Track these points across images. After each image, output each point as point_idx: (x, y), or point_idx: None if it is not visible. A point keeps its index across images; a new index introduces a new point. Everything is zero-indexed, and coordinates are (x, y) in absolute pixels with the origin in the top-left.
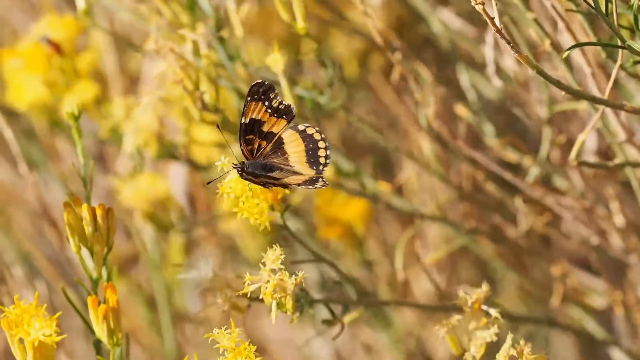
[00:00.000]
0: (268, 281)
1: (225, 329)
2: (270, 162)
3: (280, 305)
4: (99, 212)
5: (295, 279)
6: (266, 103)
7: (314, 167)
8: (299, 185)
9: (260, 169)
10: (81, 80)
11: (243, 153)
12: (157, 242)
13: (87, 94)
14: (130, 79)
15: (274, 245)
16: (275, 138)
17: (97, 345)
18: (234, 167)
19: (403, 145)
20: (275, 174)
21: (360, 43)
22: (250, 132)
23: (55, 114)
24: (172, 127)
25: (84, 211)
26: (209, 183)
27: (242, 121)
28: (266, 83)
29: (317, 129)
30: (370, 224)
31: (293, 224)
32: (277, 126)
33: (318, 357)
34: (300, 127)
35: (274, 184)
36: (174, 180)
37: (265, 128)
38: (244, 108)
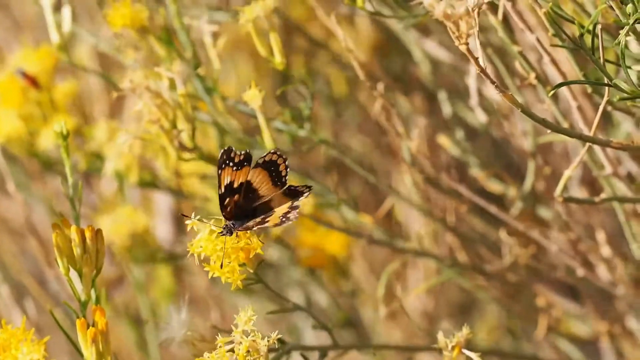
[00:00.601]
0: (240, 343)
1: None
2: (247, 209)
3: None
4: (87, 234)
5: (268, 341)
6: (231, 164)
7: (279, 184)
8: (276, 225)
9: (243, 218)
10: (58, 112)
11: (226, 218)
12: (143, 265)
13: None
14: (116, 98)
15: (245, 306)
16: (244, 184)
17: None
18: (223, 234)
19: (392, 166)
20: (257, 217)
21: (344, 72)
22: (227, 196)
23: (32, 147)
24: (154, 155)
25: (73, 233)
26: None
27: (219, 193)
28: (227, 148)
29: (272, 151)
30: (356, 250)
31: (276, 253)
32: (243, 175)
33: None
34: (259, 160)
35: (261, 226)
36: (160, 206)
37: (235, 184)
38: (218, 180)
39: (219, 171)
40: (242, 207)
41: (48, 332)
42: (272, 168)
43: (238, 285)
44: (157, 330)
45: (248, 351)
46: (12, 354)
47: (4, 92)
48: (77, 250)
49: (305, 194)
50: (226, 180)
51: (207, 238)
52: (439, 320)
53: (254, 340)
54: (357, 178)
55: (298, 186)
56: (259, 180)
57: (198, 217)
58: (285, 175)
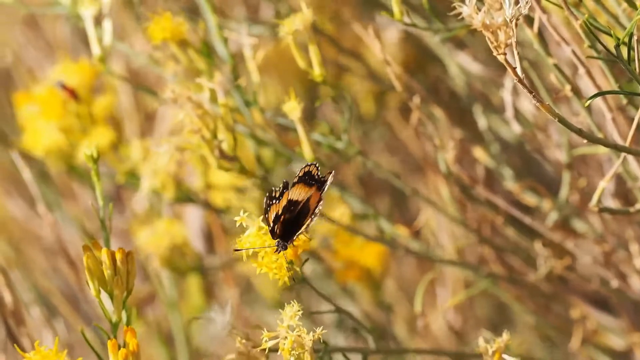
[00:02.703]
0: (286, 338)
1: None
2: (291, 219)
3: None
4: (118, 256)
5: (313, 335)
6: (273, 201)
7: (313, 183)
8: (312, 223)
9: (289, 229)
10: (97, 125)
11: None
12: (175, 281)
13: (102, 139)
14: (147, 118)
15: (291, 301)
16: (286, 205)
17: None
18: (279, 251)
19: (420, 184)
20: (300, 221)
21: (376, 85)
22: (275, 225)
23: (72, 159)
24: (189, 170)
25: (104, 255)
26: (235, 250)
27: (270, 229)
28: (269, 192)
29: (306, 165)
30: (389, 265)
31: (311, 266)
32: (285, 199)
33: None
34: (295, 179)
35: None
36: (191, 221)
37: (280, 212)
38: (266, 222)
39: (265, 215)
40: (286, 221)
41: (78, 352)
42: (306, 177)
43: (285, 282)
44: (189, 345)
45: (293, 347)
46: None
47: (44, 104)
48: (107, 273)
49: (331, 177)
50: (272, 216)
51: (255, 234)
52: (468, 337)
53: (299, 335)
54: (384, 195)
55: (323, 176)
56: (298, 193)
57: (247, 213)
58: (317, 173)
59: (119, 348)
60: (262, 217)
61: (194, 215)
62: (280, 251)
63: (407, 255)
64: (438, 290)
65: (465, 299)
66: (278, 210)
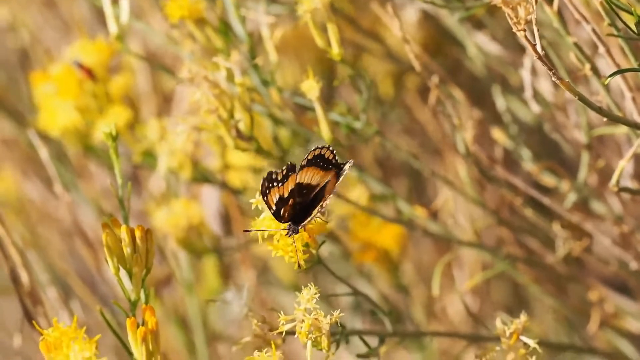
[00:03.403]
0: (303, 321)
1: (266, 352)
2: (304, 203)
3: (315, 344)
4: (138, 234)
5: (331, 318)
6: (274, 184)
7: (330, 168)
8: (324, 209)
9: (302, 214)
10: (114, 104)
11: (285, 222)
12: (192, 263)
13: (119, 119)
14: (164, 98)
15: (308, 283)
16: (295, 188)
17: None
18: (290, 235)
19: (438, 167)
20: (315, 206)
21: (395, 66)
22: (280, 208)
23: (88, 139)
24: (206, 150)
25: (123, 232)
26: (245, 231)
27: (272, 212)
28: (267, 174)
29: (315, 148)
30: (406, 247)
31: (327, 248)
32: (292, 182)
33: None
34: (303, 161)
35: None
36: (208, 202)
37: (286, 195)
38: (267, 204)
39: (265, 198)
40: (299, 205)
41: (95, 333)
42: (318, 160)
43: (301, 265)
44: (205, 328)
45: (310, 330)
46: (64, 352)
47: (60, 83)
48: (127, 250)
49: (349, 165)
50: (275, 198)
51: (271, 217)
52: (485, 320)
53: (316, 318)
54: (403, 176)
55: (342, 163)
56: (309, 176)
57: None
58: (334, 157)
59: (138, 326)
60: (261, 199)
61: (211, 196)
62: (291, 235)
63: (425, 236)
64: (455, 272)
65: (483, 282)
66: (283, 193)
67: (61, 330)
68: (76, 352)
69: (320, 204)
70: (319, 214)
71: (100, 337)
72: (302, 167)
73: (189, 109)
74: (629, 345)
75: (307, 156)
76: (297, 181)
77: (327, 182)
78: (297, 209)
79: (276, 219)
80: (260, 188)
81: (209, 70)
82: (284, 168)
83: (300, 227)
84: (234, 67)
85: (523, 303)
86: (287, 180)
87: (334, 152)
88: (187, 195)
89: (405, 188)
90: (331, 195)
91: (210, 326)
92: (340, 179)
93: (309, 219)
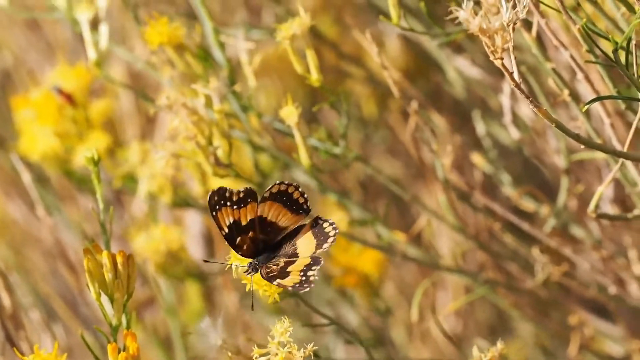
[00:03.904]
0: (277, 354)
1: None
2: (269, 242)
3: None
4: (119, 259)
5: (305, 352)
6: (228, 203)
7: (302, 212)
8: (294, 287)
9: (267, 252)
10: (93, 129)
11: (244, 256)
12: (174, 286)
13: (99, 144)
14: (147, 120)
15: (282, 318)
16: (256, 220)
17: None
18: (249, 273)
19: (421, 189)
20: (283, 249)
21: (377, 90)
22: (236, 236)
23: (68, 164)
24: (187, 175)
25: (104, 258)
26: (205, 261)
27: (223, 234)
28: (217, 189)
29: (278, 182)
30: (387, 270)
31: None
32: (251, 211)
33: None
34: (266, 193)
35: (280, 282)
36: (191, 225)
37: (244, 222)
38: (216, 222)
39: (213, 213)
40: (263, 241)
41: (78, 356)
42: (284, 198)
43: (275, 299)
44: (187, 351)
45: None
46: None
47: (40, 109)
48: (108, 276)
49: (329, 241)
50: (227, 220)
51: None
52: (468, 342)
53: (289, 352)
54: (386, 199)
55: (325, 221)
56: (273, 213)
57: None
58: (305, 202)
59: (119, 352)
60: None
61: (194, 220)
62: (250, 274)
63: (405, 261)
64: (439, 295)
65: (466, 305)
66: (239, 218)
67: (42, 357)
68: None
69: (283, 268)
70: (275, 282)
71: (77, 354)
72: (263, 199)
73: (169, 134)
74: None
75: (270, 188)
76: (259, 214)
77: (299, 229)
78: (260, 246)
79: (230, 245)
80: (208, 201)
81: (188, 97)
82: (241, 190)
83: (260, 267)
84: (212, 93)
85: (506, 326)
86: (244, 205)
87: (305, 195)
88: (170, 219)
89: (388, 211)
90: (316, 267)
91: (193, 349)
92: (325, 246)
93: (286, 280)
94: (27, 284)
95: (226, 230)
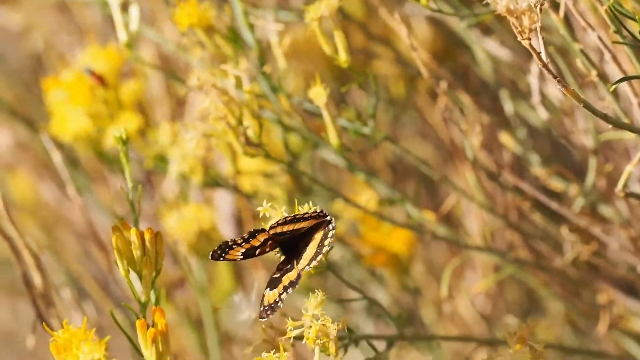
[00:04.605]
0: (310, 327)
1: (274, 353)
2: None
3: (323, 349)
4: (147, 236)
5: (338, 324)
6: (234, 246)
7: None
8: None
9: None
10: (125, 111)
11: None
12: (204, 266)
13: (130, 125)
14: (177, 102)
15: (315, 289)
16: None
17: None
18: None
19: (450, 169)
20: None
21: (405, 71)
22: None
23: (99, 145)
24: (218, 155)
25: (133, 235)
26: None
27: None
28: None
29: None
30: (417, 249)
31: (339, 252)
32: (260, 239)
33: None
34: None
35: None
36: (221, 207)
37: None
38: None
39: (220, 259)
40: (287, 240)
41: (109, 334)
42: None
43: (310, 272)
44: (218, 330)
45: (317, 336)
46: (74, 353)
47: (71, 90)
48: (136, 253)
49: (326, 242)
50: (238, 254)
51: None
52: (498, 323)
53: (323, 324)
54: (415, 180)
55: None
56: (287, 228)
57: (270, 204)
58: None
59: (148, 328)
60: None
61: (224, 201)
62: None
63: (434, 240)
64: (468, 275)
65: (496, 285)
66: (250, 246)
67: (71, 332)
68: (85, 353)
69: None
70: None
71: (111, 340)
72: (273, 227)
73: (200, 115)
74: (637, 347)
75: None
76: (271, 234)
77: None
78: (286, 243)
79: (251, 257)
80: (211, 256)
81: (218, 78)
82: (244, 235)
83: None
84: (242, 74)
85: (537, 306)
86: (252, 239)
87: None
88: (201, 200)
89: (417, 190)
90: (326, 248)
91: (223, 327)
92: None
93: (271, 293)
94: (59, 264)
95: (241, 257)
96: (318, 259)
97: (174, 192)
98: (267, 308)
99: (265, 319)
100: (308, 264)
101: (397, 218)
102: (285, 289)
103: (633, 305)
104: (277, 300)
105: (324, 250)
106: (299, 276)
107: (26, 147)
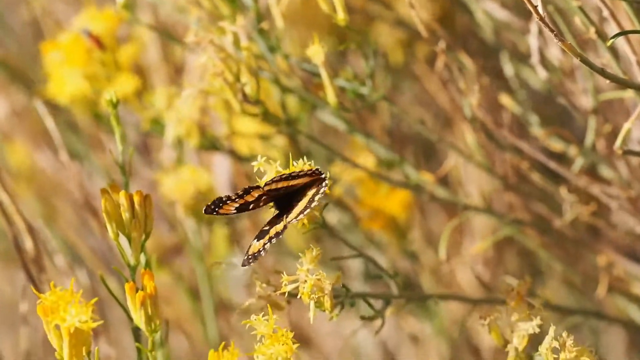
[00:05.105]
0: (305, 281)
1: (263, 316)
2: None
3: (318, 304)
4: (136, 199)
5: (333, 279)
6: (228, 202)
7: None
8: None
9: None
10: (122, 73)
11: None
12: (200, 232)
13: (127, 87)
14: (174, 68)
15: (310, 245)
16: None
17: (136, 332)
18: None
19: (448, 135)
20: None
21: (404, 33)
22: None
23: (96, 107)
24: (214, 118)
25: (122, 198)
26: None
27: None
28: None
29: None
30: (415, 214)
31: (336, 216)
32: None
33: (363, 347)
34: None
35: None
36: (218, 170)
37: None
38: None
39: (214, 213)
40: (282, 196)
41: (105, 300)
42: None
43: (304, 225)
44: (214, 296)
45: (312, 290)
46: (61, 315)
47: (69, 52)
48: (125, 215)
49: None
50: (231, 208)
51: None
52: (497, 288)
53: (318, 279)
54: (414, 144)
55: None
56: (282, 185)
57: (264, 157)
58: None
59: (137, 291)
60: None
61: (222, 165)
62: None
63: (433, 202)
64: (467, 240)
65: (495, 251)
66: (245, 201)
67: (58, 294)
68: (72, 315)
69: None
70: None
71: (106, 305)
72: (268, 184)
73: (197, 76)
74: (637, 310)
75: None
76: (266, 189)
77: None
78: (280, 198)
79: (244, 211)
80: (205, 210)
81: (215, 35)
82: (239, 191)
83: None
84: (239, 31)
85: (534, 270)
86: (246, 195)
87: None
88: (198, 164)
89: (415, 156)
90: (273, 240)
91: (220, 294)
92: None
93: (257, 243)
94: (53, 231)
95: (234, 211)
96: (306, 212)
97: (171, 157)
98: (250, 257)
99: (247, 267)
100: (296, 217)
101: (397, 180)
102: (270, 239)
103: (633, 268)
104: (261, 249)
105: (313, 204)
106: (284, 227)
107: (23, 115)
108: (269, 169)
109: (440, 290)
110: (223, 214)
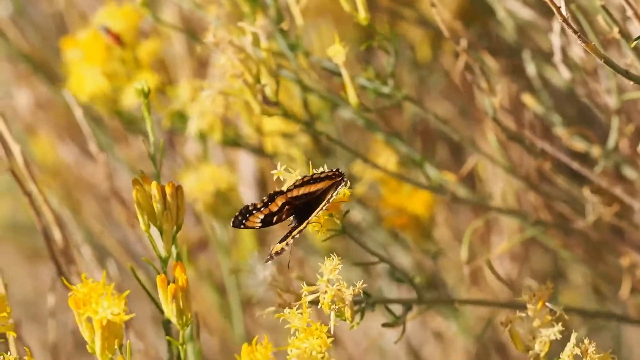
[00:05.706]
0: (326, 292)
1: (297, 310)
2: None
3: (339, 314)
4: (168, 190)
5: (353, 290)
6: (254, 212)
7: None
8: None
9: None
10: (142, 70)
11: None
12: (227, 227)
13: (148, 84)
14: (199, 63)
15: (331, 254)
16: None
17: (167, 325)
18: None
19: (475, 131)
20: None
21: (430, 31)
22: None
23: (116, 105)
24: (237, 113)
25: (153, 189)
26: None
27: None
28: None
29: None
30: (441, 212)
31: (359, 214)
32: (281, 199)
33: (388, 344)
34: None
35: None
36: (244, 168)
37: (275, 210)
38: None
39: (241, 226)
40: (301, 205)
41: (133, 293)
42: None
43: (324, 234)
44: (240, 291)
45: (333, 301)
46: (92, 308)
47: (88, 49)
48: (157, 207)
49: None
50: (257, 220)
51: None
52: (521, 287)
53: (339, 289)
54: (438, 141)
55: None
56: (305, 189)
57: (284, 166)
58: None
59: (168, 283)
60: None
61: (247, 162)
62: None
63: (457, 204)
64: (492, 239)
65: (520, 251)
66: (270, 211)
67: (90, 286)
68: (104, 307)
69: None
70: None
71: (133, 298)
72: (290, 189)
73: (219, 73)
74: None
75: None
76: (289, 197)
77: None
78: (301, 209)
79: (268, 225)
80: (233, 223)
81: (235, 35)
82: (264, 198)
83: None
84: (259, 31)
85: (560, 271)
86: (271, 202)
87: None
88: (223, 161)
89: (440, 154)
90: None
91: (245, 288)
92: (289, 243)
93: (279, 244)
94: (80, 223)
95: (260, 225)
96: (324, 207)
97: (196, 153)
98: (271, 255)
99: (271, 261)
100: (316, 214)
101: (418, 180)
102: (291, 236)
103: None
104: (284, 248)
105: (332, 199)
106: (306, 224)
107: (46, 107)
108: (289, 177)
109: (467, 290)
110: (250, 228)
